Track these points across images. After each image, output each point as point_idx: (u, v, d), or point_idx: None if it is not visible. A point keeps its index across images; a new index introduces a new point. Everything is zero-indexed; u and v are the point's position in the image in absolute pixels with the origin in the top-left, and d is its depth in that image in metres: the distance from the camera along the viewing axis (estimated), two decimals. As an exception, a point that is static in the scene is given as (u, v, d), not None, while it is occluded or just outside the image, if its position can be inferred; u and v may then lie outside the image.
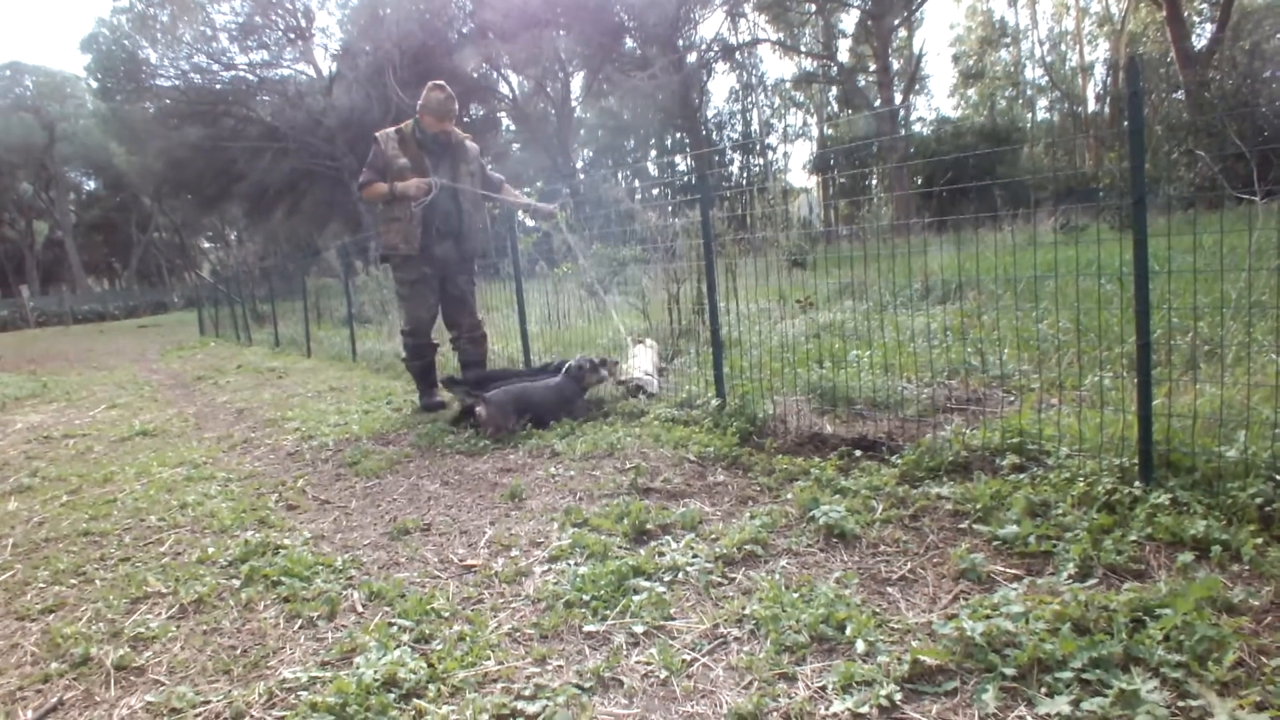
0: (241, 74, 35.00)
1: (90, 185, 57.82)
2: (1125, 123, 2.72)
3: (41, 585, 3.05)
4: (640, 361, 5.73)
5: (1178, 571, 2.25)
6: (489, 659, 2.19)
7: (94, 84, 35.74)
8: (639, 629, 2.28)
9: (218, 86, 34.75)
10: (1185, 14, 25.74)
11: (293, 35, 34.67)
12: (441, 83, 5.46)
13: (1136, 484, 2.72)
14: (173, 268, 63.70)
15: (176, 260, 63.75)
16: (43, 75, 51.68)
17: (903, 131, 36.30)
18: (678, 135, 45.44)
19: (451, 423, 5.28)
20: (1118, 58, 36.46)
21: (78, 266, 54.28)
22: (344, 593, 2.74)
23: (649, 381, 5.44)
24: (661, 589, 2.49)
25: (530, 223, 5.85)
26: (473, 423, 5.05)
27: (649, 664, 2.11)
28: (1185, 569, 2.25)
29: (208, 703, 2.11)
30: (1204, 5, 32.11)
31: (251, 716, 2.03)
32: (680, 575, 2.59)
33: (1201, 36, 28.64)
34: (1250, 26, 26.26)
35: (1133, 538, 2.43)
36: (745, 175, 46.79)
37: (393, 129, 5.52)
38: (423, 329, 5.68)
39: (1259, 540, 2.30)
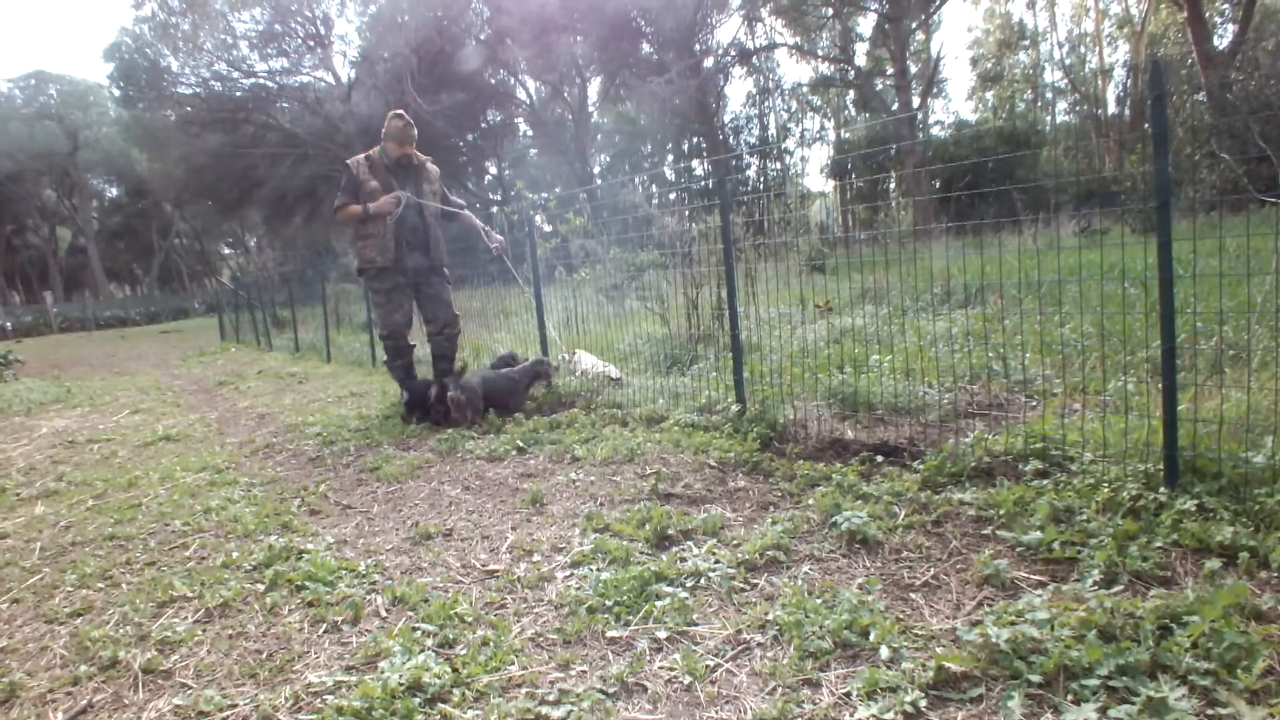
0: (261, 81, 35.32)
1: (112, 192, 58.62)
2: (1147, 125, 2.70)
3: (69, 588, 3.10)
4: (589, 360, 6.59)
5: (1205, 578, 2.23)
6: (513, 664, 2.20)
7: (116, 92, 36.27)
8: (662, 634, 2.29)
9: (238, 94, 35.08)
10: (1206, 15, 25.49)
11: (312, 43, 34.99)
12: (401, 111, 5.97)
13: (1162, 490, 2.70)
14: (193, 274, 64.46)
15: (197, 266, 64.50)
16: (66, 84, 52.55)
17: (921, 135, 36.14)
18: (695, 140, 45.42)
19: (407, 414, 5.85)
20: (1138, 60, 36.16)
21: (100, 273, 54.96)
22: (367, 597, 2.76)
23: (613, 370, 6.31)
24: (684, 594, 2.49)
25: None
26: (428, 412, 5.70)
27: (672, 669, 2.11)
28: (1212, 576, 2.23)
29: (234, 706, 2.13)
30: (1225, 6, 31.79)
31: None
32: (702, 581, 2.59)
33: (1223, 37, 28.36)
34: (1274, 27, 25.96)
35: (1158, 544, 2.41)
36: (763, 180, 46.69)
37: (362, 155, 5.94)
38: (399, 332, 6.04)
39: (1288, 547, 2.27)
